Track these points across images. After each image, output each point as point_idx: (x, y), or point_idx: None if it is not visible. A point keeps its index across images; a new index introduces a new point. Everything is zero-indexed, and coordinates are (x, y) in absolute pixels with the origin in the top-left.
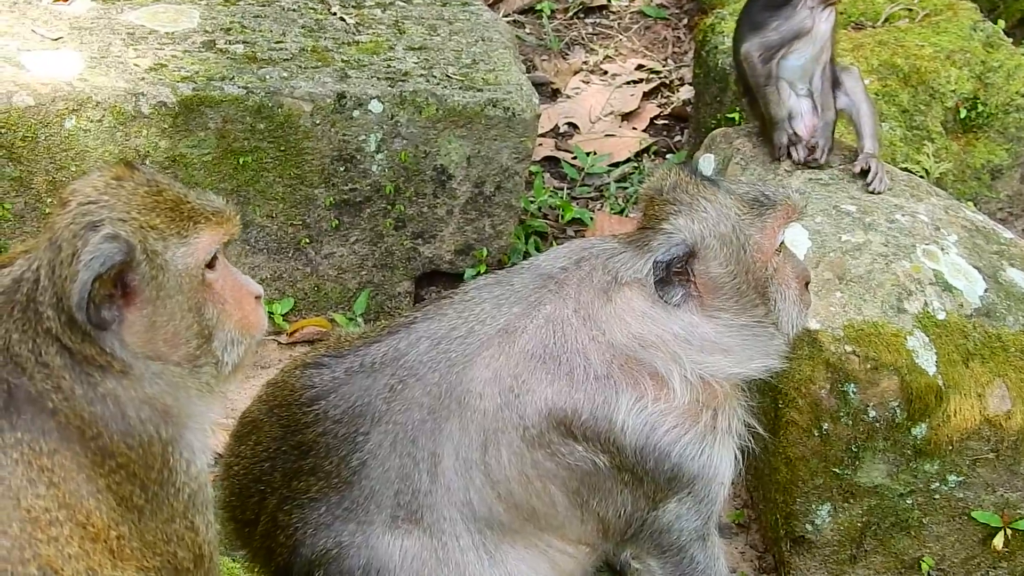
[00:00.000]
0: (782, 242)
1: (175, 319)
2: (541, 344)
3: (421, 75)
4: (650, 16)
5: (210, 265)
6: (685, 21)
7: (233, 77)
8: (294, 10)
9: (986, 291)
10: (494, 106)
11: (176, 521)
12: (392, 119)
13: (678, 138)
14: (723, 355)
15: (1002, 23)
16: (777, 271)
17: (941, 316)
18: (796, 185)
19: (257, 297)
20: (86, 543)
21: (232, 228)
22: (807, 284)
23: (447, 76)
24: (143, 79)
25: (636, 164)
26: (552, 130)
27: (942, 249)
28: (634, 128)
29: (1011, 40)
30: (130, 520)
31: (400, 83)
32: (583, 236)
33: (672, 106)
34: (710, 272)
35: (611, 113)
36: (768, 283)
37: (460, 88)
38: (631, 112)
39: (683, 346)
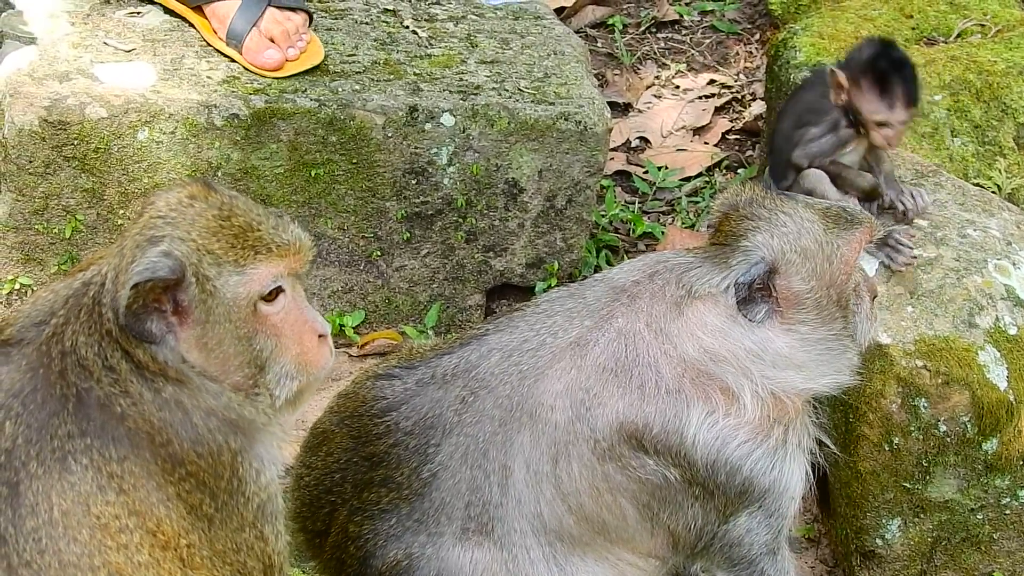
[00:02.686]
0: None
1: (224, 345)
2: (613, 357)
3: (493, 88)
4: (722, 31)
5: (270, 297)
6: (757, 36)
7: (305, 90)
8: (367, 23)
9: None
10: (566, 120)
11: (246, 531)
12: (464, 132)
13: (749, 153)
14: (795, 371)
15: None
16: (856, 284)
17: (1013, 331)
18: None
19: (321, 336)
20: (156, 551)
21: (298, 263)
22: (875, 298)
23: (519, 89)
24: (216, 91)
25: (707, 179)
26: (624, 144)
27: (1014, 264)
28: (705, 143)
29: None
30: (200, 529)
31: (472, 96)
32: (654, 250)
33: (744, 121)
34: (792, 287)
35: (683, 128)
36: (849, 296)
37: (532, 102)
38: (703, 127)
39: (755, 361)
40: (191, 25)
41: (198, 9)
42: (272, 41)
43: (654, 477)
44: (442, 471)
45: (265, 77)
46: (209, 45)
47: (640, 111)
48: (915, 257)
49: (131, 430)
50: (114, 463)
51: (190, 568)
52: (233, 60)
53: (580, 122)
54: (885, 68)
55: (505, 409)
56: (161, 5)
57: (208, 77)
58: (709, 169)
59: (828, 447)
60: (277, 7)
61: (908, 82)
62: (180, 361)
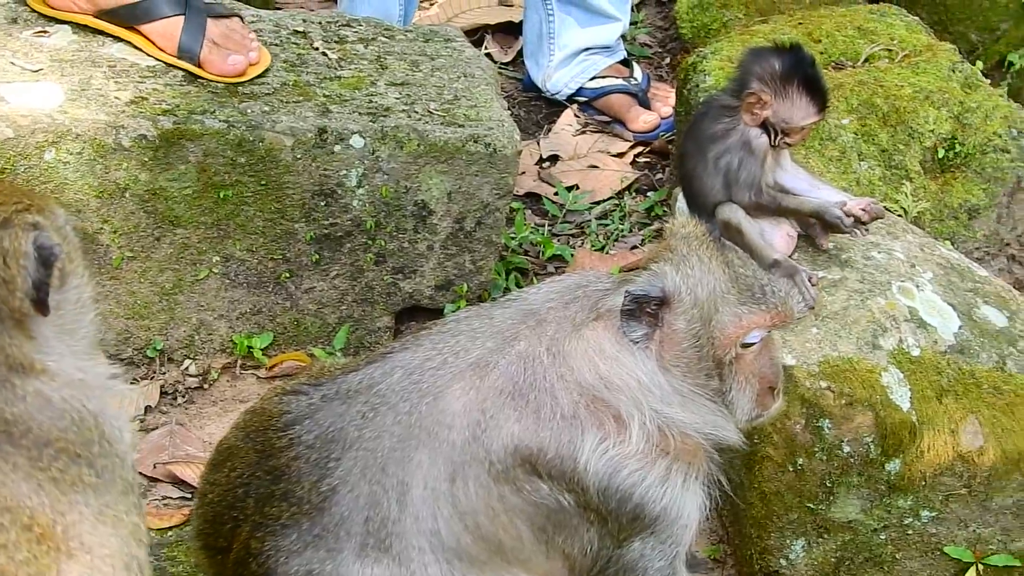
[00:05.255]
0: (760, 340)
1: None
2: (511, 380)
3: (403, 110)
4: (633, 55)
5: None
6: (668, 60)
7: (214, 111)
8: (276, 44)
9: (960, 328)
10: (475, 142)
11: (130, 494)
12: (373, 154)
13: (659, 175)
14: (680, 410)
15: (980, 64)
16: (739, 361)
17: (915, 353)
18: (810, 294)
19: None
20: (33, 545)
21: None
22: (773, 389)
23: (429, 112)
24: (123, 112)
25: (617, 202)
26: (536, 163)
27: (917, 286)
28: (616, 169)
29: (989, 81)
30: (82, 504)
31: (382, 118)
32: (564, 272)
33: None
34: (675, 325)
35: (597, 151)
36: (724, 367)
37: (442, 124)
38: (615, 149)
39: (646, 394)
40: (101, 45)
41: (132, 28)
42: (228, 49)
43: (548, 501)
44: (341, 486)
45: (226, 82)
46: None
47: (556, 133)
48: (815, 301)
49: None
50: None
51: (68, 554)
52: (185, 71)
53: (490, 144)
54: (810, 72)
55: (404, 426)
56: (72, 24)
57: (116, 98)
58: (620, 193)
59: (728, 482)
60: (213, 16)
61: (822, 78)
62: (36, 352)
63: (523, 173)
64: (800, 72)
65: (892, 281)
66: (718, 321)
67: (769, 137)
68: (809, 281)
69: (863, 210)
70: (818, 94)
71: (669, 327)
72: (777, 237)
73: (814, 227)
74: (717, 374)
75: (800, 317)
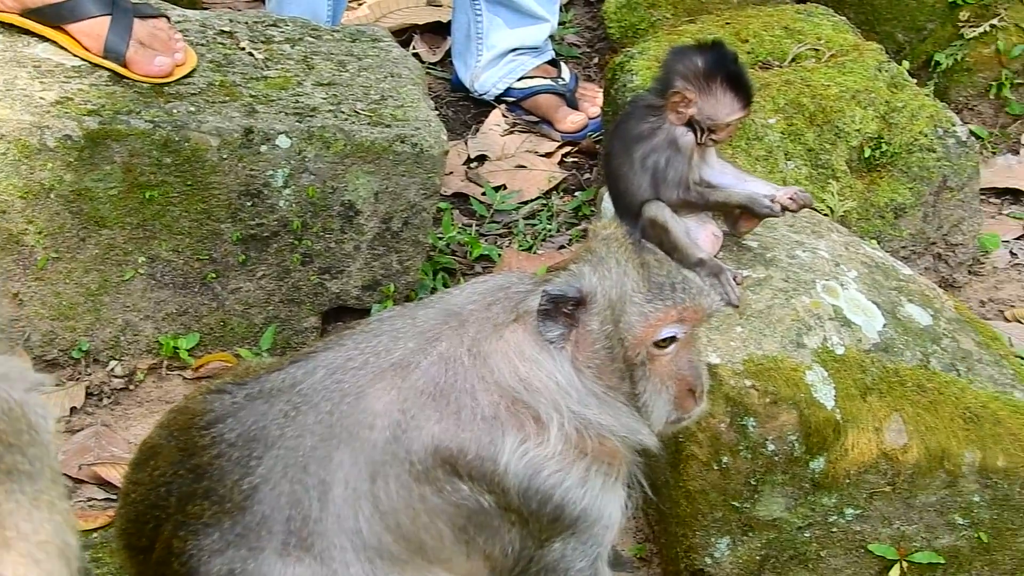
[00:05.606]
0: (671, 338)
1: None
2: (432, 381)
3: (329, 111)
4: (562, 55)
5: None
6: (596, 60)
7: (139, 111)
8: (203, 44)
9: (884, 326)
10: (402, 142)
11: (59, 481)
12: (300, 154)
13: (587, 175)
14: (598, 412)
15: (907, 64)
16: (653, 362)
17: (840, 351)
18: (735, 293)
19: None
20: None
21: None
22: (693, 391)
23: (355, 112)
24: (48, 112)
25: (545, 202)
26: (464, 163)
27: (842, 285)
28: (544, 169)
29: (915, 81)
30: (19, 492)
31: (308, 118)
32: (491, 272)
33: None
34: (590, 326)
35: (525, 150)
36: (636, 368)
37: (368, 124)
38: (543, 149)
39: (564, 396)
40: (26, 45)
41: (58, 28)
42: (155, 49)
43: (469, 502)
44: (263, 484)
45: (152, 83)
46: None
47: (484, 133)
48: (740, 299)
49: None
50: None
51: (4, 543)
52: (111, 71)
53: (416, 144)
54: (733, 69)
55: (326, 425)
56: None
57: (41, 98)
58: (547, 192)
59: (651, 482)
60: (140, 17)
61: (746, 74)
62: None
63: (451, 173)
64: (723, 69)
65: (817, 280)
66: (627, 321)
67: (695, 135)
68: (734, 280)
69: (791, 199)
70: (742, 90)
71: (584, 328)
72: (703, 236)
73: (737, 219)
74: (629, 376)
75: (714, 313)
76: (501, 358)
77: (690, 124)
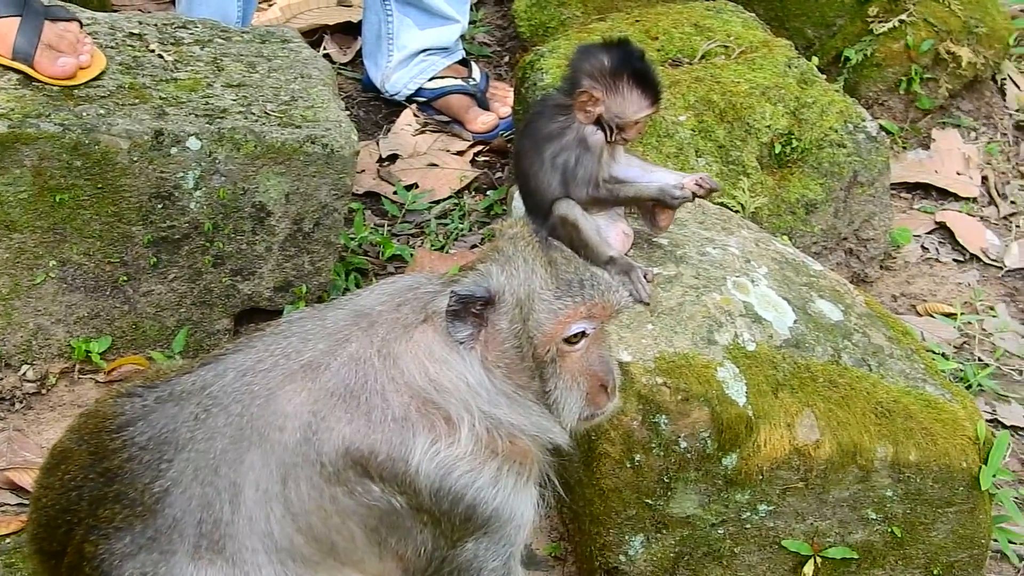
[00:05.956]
0: (581, 333)
1: None
2: (342, 382)
3: (240, 112)
4: (472, 54)
5: None
6: (507, 59)
7: (49, 114)
8: (112, 47)
9: (795, 322)
10: (312, 143)
11: None
12: (210, 156)
13: (499, 174)
14: (508, 411)
15: (816, 60)
16: (563, 359)
17: (751, 347)
18: (645, 291)
19: None
20: None
21: None
22: (605, 387)
23: (266, 113)
24: None
25: (457, 201)
26: (376, 162)
27: (752, 281)
28: (455, 167)
29: (825, 77)
30: None
31: (218, 120)
32: (404, 272)
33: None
34: (499, 326)
35: (439, 149)
36: (547, 366)
37: (279, 125)
38: (455, 148)
39: (474, 396)
40: None
41: None
42: (60, 51)
43: (381, 503)
44: (174, 487)
45: (59, 85)
46: None
47: (395, 133)
48: (650, 297)
49: None
50: None
51: None
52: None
53: (327, 145)
54: (639, 66)
55: (236, 427)
56: None
57: None
58: (459, 191)
59: (564, 481)
60: (51, 20)
61: (653, 71)
62: None
63: (363, 171)
64: (629, 66)
65: (727, 276)
66: (535, 319)
67: (605, 134)
68: (644, 277)
69: (697, 184)
70: (649, 87)
71: (493, 327)
72: (613, 234)
73: (653, 213)
74: (539, 374)
75: (623, 309)
76: (411, 359)
77: (599, 123)
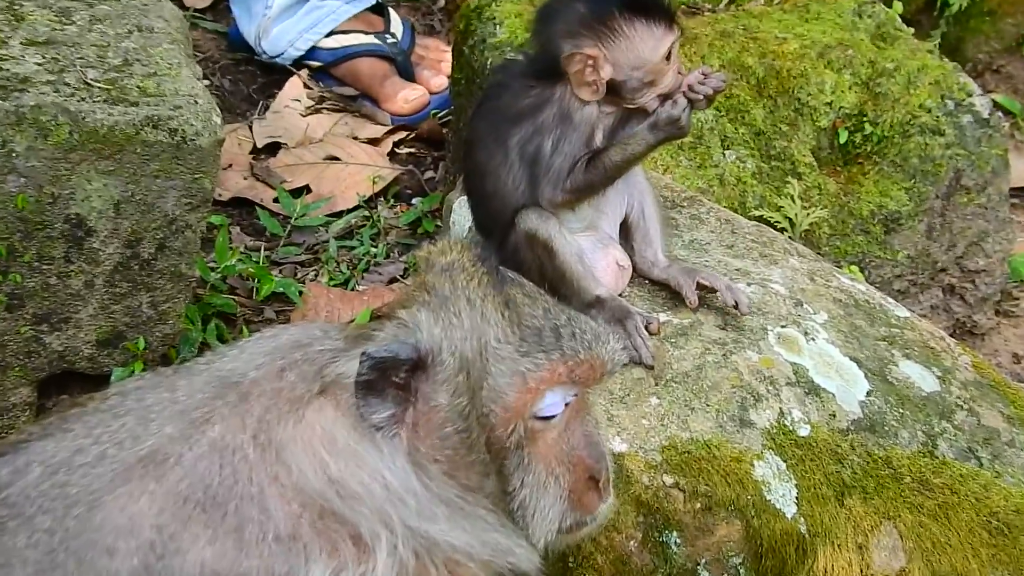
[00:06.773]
0: (558, 403)
1: None
2: (200, 483)
3: (48, 83)
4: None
5: None
6: (441, 3)
7: None
8: None
9: (869, 394)
10: (155, 127)
11: None
12: (4, 147)
13: (430, 174)
14: (448, 525)
15: (899, 6)
16: (534, 443)
17: (804, 432)
18: (647, 348)
19: None
20: None
21: None
22: (595, 480)
23: (85, 84)
24: None
25: (367, 212)
26: (249, 154)
27: (805, 334)
28: (366, 163)
29: (912, 31)
30: None
31: (16, 95)
32: (289, 320)
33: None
34: (435, 401)
35: (342, 135)
36: (508, 456)
37: (105, 101)
38: (366, 135)
39: (396, 505)
40: None
41: None
42: None
43: None
44: None
45: None
46: None
47: (277, 112)
48: (653, 357)
49: None
50: None
51: None
52: None
53: (176, 131)
54: None
55: (45, 550)
56: None
57: None
58: (370, 199)
59: None
60: None
61: None
62: None
63: (229, 167)
64: None
65: (768, 326)
66: (492, 387)
67: (622, 102)
68: (646, 328)
69: (701, 84)
70: (652, 7)
71: (425, 403)
72: (602, 264)
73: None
74: (498, 468)
75: (616, 370)
76: (302, 450)
77: (615, 95)
